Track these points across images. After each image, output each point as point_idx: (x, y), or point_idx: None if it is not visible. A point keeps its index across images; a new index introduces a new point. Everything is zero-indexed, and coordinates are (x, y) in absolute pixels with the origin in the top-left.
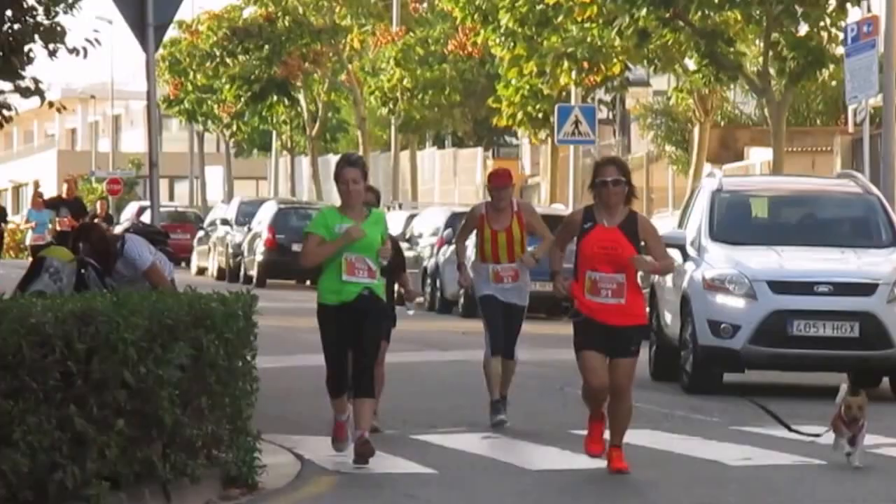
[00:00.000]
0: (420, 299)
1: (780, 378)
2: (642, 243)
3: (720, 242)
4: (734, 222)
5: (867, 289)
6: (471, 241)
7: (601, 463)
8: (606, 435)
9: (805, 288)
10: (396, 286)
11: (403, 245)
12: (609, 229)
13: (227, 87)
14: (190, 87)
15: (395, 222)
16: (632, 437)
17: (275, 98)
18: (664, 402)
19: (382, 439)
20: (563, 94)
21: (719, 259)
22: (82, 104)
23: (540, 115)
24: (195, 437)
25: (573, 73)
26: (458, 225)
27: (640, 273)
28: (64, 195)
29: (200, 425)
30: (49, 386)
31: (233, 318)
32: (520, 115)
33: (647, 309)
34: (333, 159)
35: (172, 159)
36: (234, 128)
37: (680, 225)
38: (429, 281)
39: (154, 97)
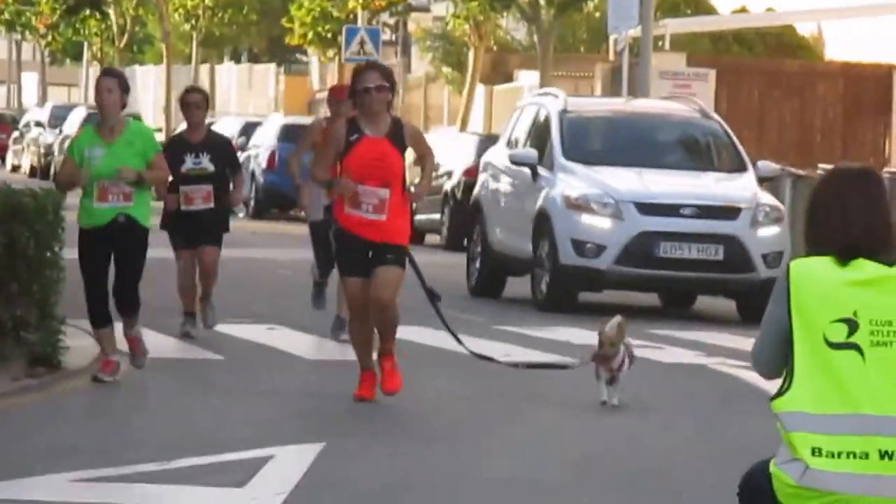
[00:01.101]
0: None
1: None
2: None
3: (575, 162)
4: (586, 142)
5: (731, 212)
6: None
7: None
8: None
9: (671, 210)
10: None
11: None
12: (376, 140)
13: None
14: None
15: None
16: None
17: (87, 12)
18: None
19: (170, 324)
20: (351, 16)
21: (579, 179)
22: None
23: (329, 35)
24: (5, 319)
25: None
26: (251, 134)
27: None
28: None
29: (10, 309)
30: None
31: (43, 213)
32: (311, 35)
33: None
34: (140, 70)
35: None
36: (50, 38)
37: (508, 144)
38: None
39: None
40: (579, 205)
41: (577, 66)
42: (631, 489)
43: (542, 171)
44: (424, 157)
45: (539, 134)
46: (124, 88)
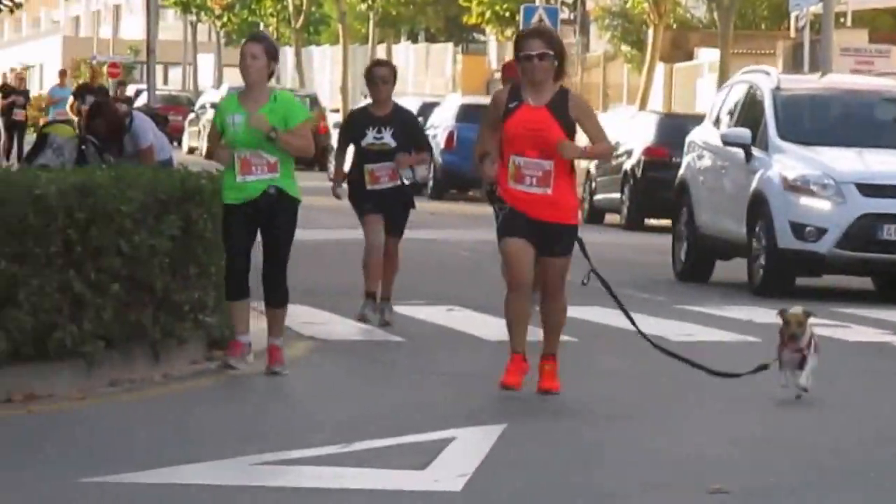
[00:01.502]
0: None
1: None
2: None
3: (790, 142)
4: (801, 121)
5: None
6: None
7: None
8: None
9: (895, 191)
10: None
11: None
12: (535, 108)
13: None
14: None
15: None
16: (580, 312)
17: None
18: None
19: (356, 308)
20: None
21: (796, 159)
22: None
23: (507, 14)
24: (183, 302)
25: None
26: (429, 114)
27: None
28: (90, 83)
29: (188, 291)
30: (51, 252)
31: (220, 194)
32: (488, 14)
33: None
34: (316, 51)
35: (168, 47)
36: (225, 19)
37: (716, 124)
38: None
39: None
40: (798, 186)
41: (757, 44)
42: (819, 468)
43: (755, 151)
44: (589, 130)
45: (749, 113)
46: (272, 55)
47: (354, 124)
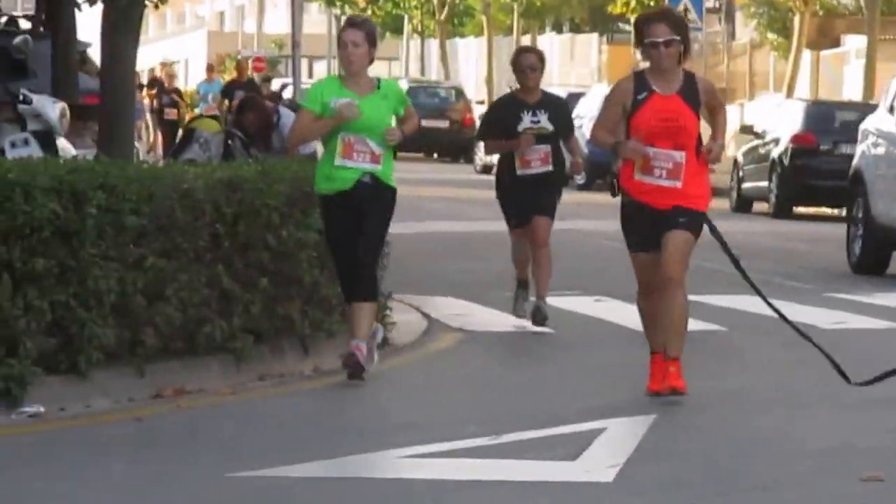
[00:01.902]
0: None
1: None
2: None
3: None
4: None
5: None
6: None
7: (710, 324)
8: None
9: None
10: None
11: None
12: (668, 98)
13: None
14: None
15: None
16: (729, 301)
17: None
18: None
19: (503, 299)
20: None
21: None
22: None
23: (652, 3)
24: (331, 295)
25: None
26: (574, 105)
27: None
28: (237, 78)
29: (335, 285)
30: (199, 247)
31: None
32: (633, 3)
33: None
34: (461, 42)
35: (312, 40)
36: (370, 12)
37: (891, 111)
38: None
39: None
40: None
41: None
42: None
43: None
44: (716, 112)
45: None
46: (372, 41)
47: (507, 109)
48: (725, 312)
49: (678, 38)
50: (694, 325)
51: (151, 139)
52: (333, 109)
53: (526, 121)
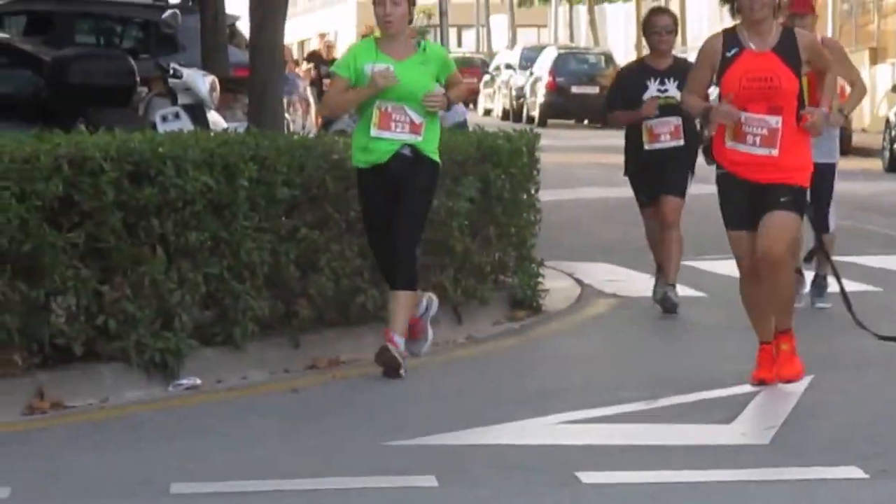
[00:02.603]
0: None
1: None
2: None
3: None
4: None
5: None
6: None
7: (865, 284)
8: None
9: None
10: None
11: None
12: (761, 55)
13: None
14: None
15: None
16: (884, 262)
17: None
18: None
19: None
20: None
21: None
22: None
23: None
24: (483, 263)
25: None
26: None
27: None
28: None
29: (488, 253)
30: (351, 217)
31: (517, 155)
32: None
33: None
34: (610, 8)
35: (460, 9)
36: None
37: None
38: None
39: None
40: None
41: None
42: None
43: None
44: (824, 73)
45: None
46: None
47: (631, 78)
48: (880, 273)
49: None
50: (849, 285)
51: (313, 117)
52: (368, 76)
53: (652, 89)
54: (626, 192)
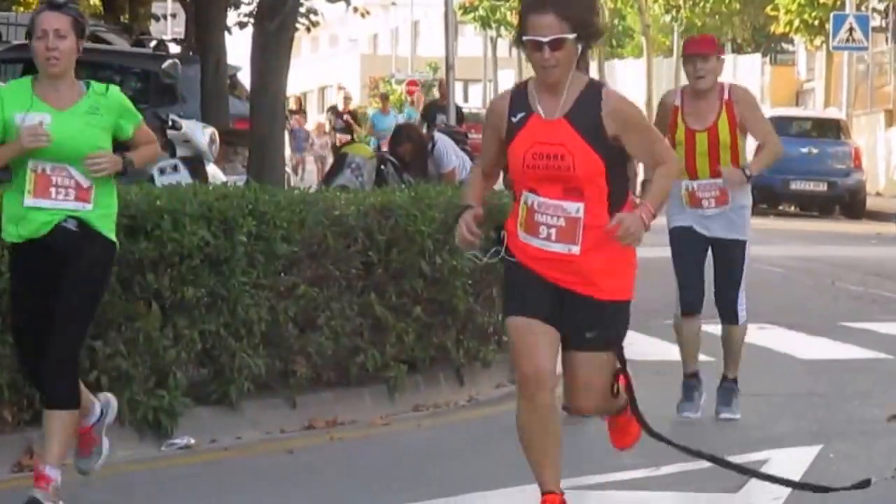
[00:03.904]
0: None
1: None
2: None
3: None
4: None
5: None
6: None
7: (876, 352)
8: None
9: None
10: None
11: None
12: (550, 123)
13: None
14: None
15: None
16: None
17: None
18: None
19: (662, 327)
20: (838, 2)
21: None
22: (384, 10)
23: (816, 23)
24: (487, 324)
25: None
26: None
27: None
28: (439, 100)
29: (491, 313)
30: (351, 274)
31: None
32: (797, 23)
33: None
34: (619, 64)
35: (467, 63)
36: None
37: None
38: None
39: (451, 4)
40: None
41: None
42: None
43: None
44: (636, 148)
45: None
46: (80, 31)
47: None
48: (893, 340)
49: (571, 34)
50: (860, 352)
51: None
52: (19, 129)
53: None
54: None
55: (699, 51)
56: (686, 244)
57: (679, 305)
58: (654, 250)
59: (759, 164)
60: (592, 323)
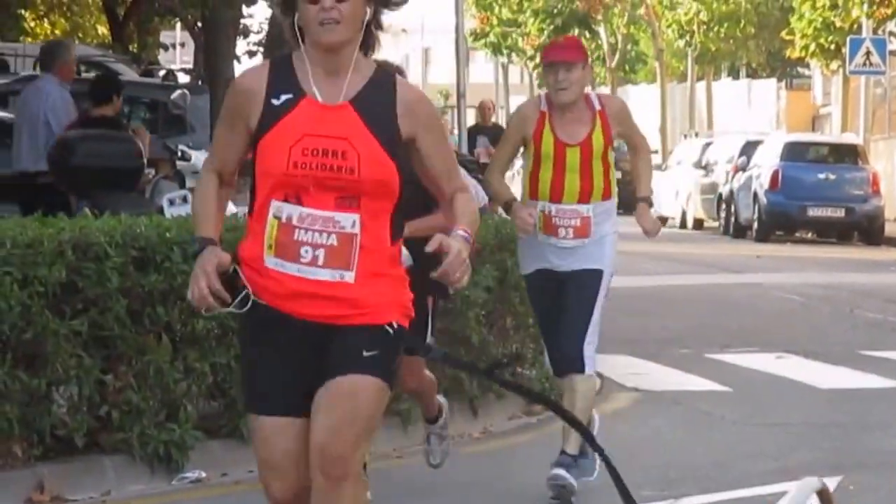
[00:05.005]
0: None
1: None
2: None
3: None
4: None
5: None
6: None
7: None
8: None
9: None
10: None
11: (699, 172)
12: (330, 109)
13: (532, 20)
14: (496, 21)
15: (691, 150)
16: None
17: (576, 31)
18: None
19: (679, 357)
20: (855, 26)
21: None
22: (394, 37)
23: (832, 47)
24: (500, 354)
25: (864, 6)
26: (751, 153)
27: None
28: (482, 122)
29: (505, 344)
30: None
31: None
32: (812, 47)
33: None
34: (633, 90)
35: (479, 90)
36: (538, 59)
37: None
38: (724, 206)
39: (462, 31)
40: None
41: None
42: None
43: None
44: (433, 171)
45: None
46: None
47: None
48: None
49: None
50: (880, 381)
51: None
52: None
53: None
54: (647, 280)
55: (562, 58)
56: (545, 295)
57: (549, 365)
58: (671, 278)
59: (648, 184)
60: (365, 343)
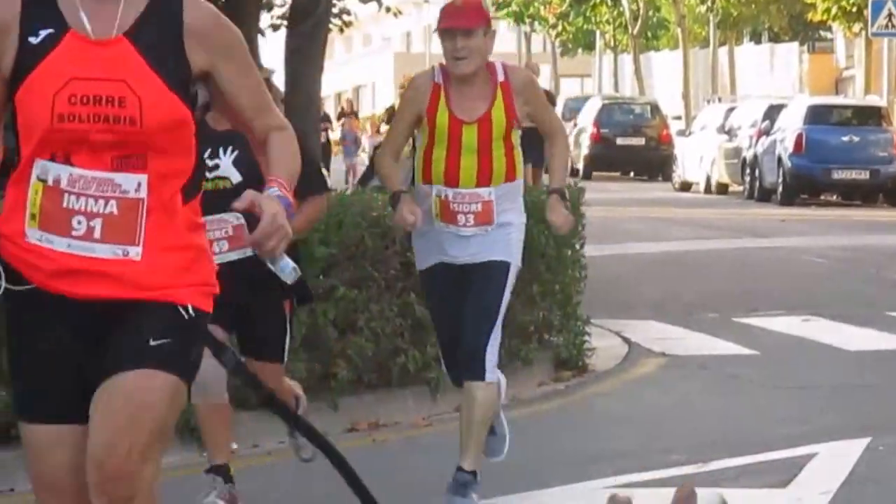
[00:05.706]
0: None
1: None
2: None
3: None
4: None
5: None
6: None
7: None
8: None
9: None
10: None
11: (722, 137)
12: (102, 45)
13: None
14: None
15: (715, 116)
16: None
17: None
18: None
19: (706, 321)
20: None
21: None
22: (416, 8)
23: (854, 9)
24: (527, 322)
25: None
26: (775, 117)
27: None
28: None
29: (532, 311)
30: (390, 275)
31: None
32: (834, 10)
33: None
34: (655, 56)
35: (500, 59)
36: (560, 28)
37: None
38: (748, 170)
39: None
40: None
41: None
42: None
43: None
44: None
45: None
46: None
47: None
48: None
49: None
50: None
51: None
52: None
53: None
54: (674, 245)
55: (459, 24)
56: (443, 292)
57: (447, 374)
58: (696, 243)
59: (562, 175)
60: (153, 330)
